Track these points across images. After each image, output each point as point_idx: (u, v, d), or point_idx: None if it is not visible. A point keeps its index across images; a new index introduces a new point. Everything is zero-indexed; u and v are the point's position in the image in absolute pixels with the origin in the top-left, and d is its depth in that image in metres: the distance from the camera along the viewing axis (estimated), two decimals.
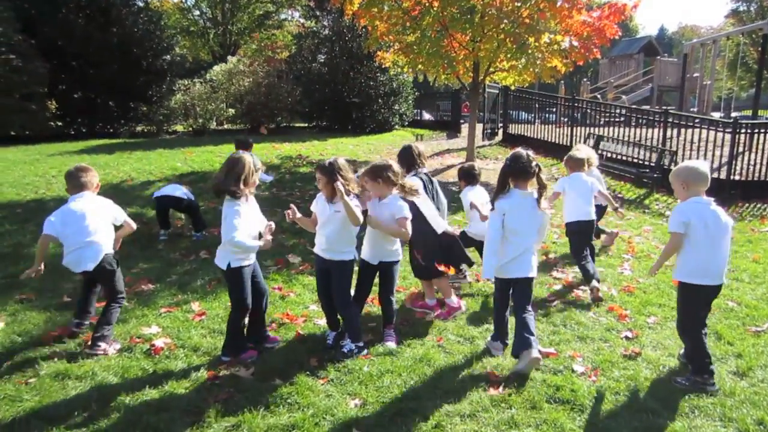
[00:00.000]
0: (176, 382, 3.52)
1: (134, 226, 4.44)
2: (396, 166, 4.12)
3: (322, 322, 4.51)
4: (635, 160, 11.43)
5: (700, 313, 3.71)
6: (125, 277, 5.59)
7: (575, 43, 11.12)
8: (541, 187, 3.82)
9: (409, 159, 4.81)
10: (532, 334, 3.76)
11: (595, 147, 12.23)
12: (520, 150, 3.90)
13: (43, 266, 4.09)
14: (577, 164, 5.66)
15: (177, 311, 4.74)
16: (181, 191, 7.26)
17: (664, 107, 12.37)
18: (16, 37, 16.31)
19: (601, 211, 6.53)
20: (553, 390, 3.50)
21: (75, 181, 4.31)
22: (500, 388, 3.51)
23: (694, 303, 3.66)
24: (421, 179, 4.67)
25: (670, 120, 11.41)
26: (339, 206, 3.86)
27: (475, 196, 5.49)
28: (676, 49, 51.49)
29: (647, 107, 19.43)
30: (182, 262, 6.27)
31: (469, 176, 5.68)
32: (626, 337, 4.43)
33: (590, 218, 5.55)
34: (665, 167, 10.76)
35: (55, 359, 3.82)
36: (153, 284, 5.53)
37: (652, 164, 11.01)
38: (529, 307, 3.93)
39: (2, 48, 15.81)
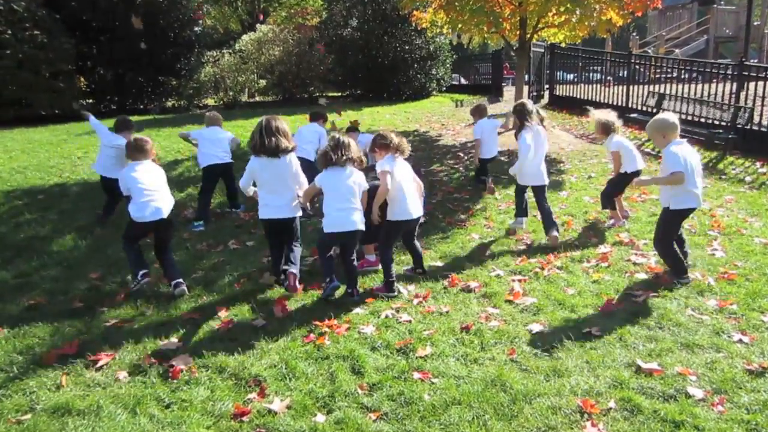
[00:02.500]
0: (197, 417, 2.88)
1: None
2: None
3: (369, 329, 3.82)
4: (703, 120, 10.25)
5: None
6: (145, 273, 5.04)
7: None
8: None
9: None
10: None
11: (657, 107, 11.07)
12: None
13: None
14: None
15: (200, 318, 4.10)
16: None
17: (741, 59, 10.98)
18: (39, 11, 15.82)
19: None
20: (672, 428, 2.72)
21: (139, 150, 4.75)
22: (600, 425, 2.75)
23: (678, 225, 4.60)
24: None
25: (746, 73, 10.13)
26: None
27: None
28: None
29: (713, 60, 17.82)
30: (209, 254, 5.63)
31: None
32: (741, 342, 3.60)
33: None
34: (742, 126, 9.58)
35: (57, 388, 3.23)
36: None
37: (725, 123, 9.82)
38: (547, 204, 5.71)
39: (26, 24, 15.33)
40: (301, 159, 6.52)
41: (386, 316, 4.07)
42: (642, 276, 4.70)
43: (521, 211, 6.08)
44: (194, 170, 9.17)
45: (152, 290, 4.73)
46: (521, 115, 5.81)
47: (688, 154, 4.35)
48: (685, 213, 4.52)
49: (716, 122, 10.03)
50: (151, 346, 3.66)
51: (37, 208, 7.34)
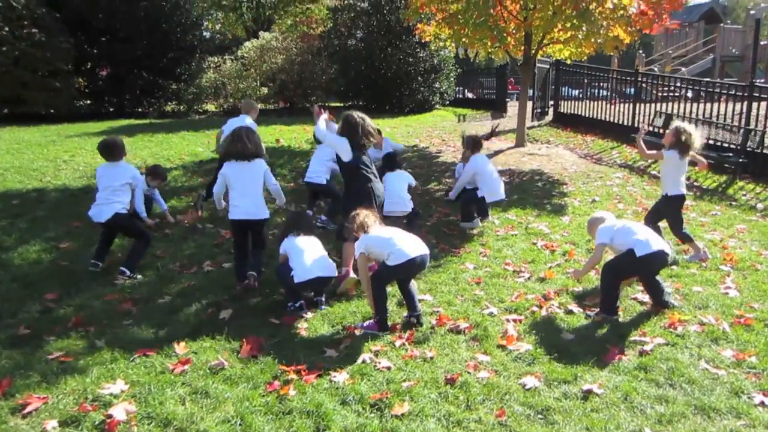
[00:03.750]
0: None
1: None
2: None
3: (342, 377, 3.38)
4: (712, 142, 9.82)
5: None
6: (106, 294, 4.64)
7: (644, 8, 9.55)
8: None
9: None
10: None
11: (665, 127, 10.65)
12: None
13: None
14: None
15: (155, 356, 3.66)
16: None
17: (751, 79, 10.59)
18: (39, 10, 15.54)
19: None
20: None
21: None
22: None
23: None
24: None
25: (756, 94, 9.71)
26: None
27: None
28: (731, 17, 47.79)
29: (727, 80, 17.43)
30: (180, 276, 5.20)
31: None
32: (763, 405, 3.16)
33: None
34: (752, 149, 9.16)
35: None
36: (135, 308, 4.49)
37: (735, 146, 9.39)
38: None
39: (25, 21, 15.05)
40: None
41: (363, 361, 3.63)
42: (648, 317, 4.26)
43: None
44: (180, 180, 8.79)
45: (108, 315, 4.31)
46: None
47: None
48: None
49: (725, 144, 9.62)
50: (93, 388, 3.22)
51: (7, 215, 6.94)
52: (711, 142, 9.77)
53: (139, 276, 5.14)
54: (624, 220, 4.75)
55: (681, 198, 5.63)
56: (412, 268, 4.10)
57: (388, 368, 3.55)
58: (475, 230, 6.62)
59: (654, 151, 5.85)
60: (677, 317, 4.17)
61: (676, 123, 5.63)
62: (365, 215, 4.23)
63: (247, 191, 4.76)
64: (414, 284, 4.33)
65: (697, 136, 5.46)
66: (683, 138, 5.37)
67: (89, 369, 3.46)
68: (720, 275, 5.16)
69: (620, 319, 4.22)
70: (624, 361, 3.59)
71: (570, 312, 4.40)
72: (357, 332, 4.04)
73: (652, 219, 5.66)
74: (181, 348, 3.77)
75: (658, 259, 4.25)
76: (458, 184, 6.76)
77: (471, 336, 4.01)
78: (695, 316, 4.25)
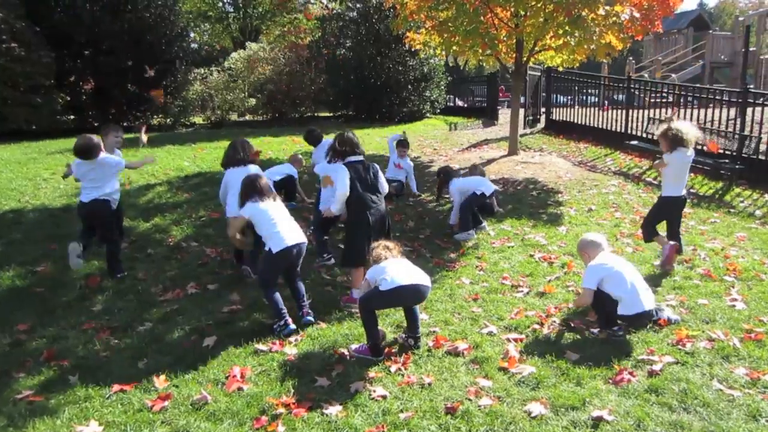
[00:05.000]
0: None
1: None
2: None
3: (334, 410, 3.15)
4: (706, 149, 9.68)
5: None
6: (83, 323, 4.39)
7: (636, 15, 9.43)
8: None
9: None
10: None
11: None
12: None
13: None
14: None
15: (132, 391, 3.41)
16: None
17: (747, 85, 10.50)
18: (18, 23, 15.23)
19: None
20: None
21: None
22: None
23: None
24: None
25: (751, 100, 9.60)
26: None
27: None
28: (717, 24, 48.19)
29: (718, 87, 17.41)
30: (161, 302, 4.94)
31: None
32: None
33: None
34: (749, 156, 9.04)
35: None
36: (113, 338, 4.23)
37: (731, 152, 9.27)
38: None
39: (3, 36, 14.72)
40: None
41: (357, 390, 3.40)
42: (656, 333, 4.06)
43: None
44: (165, 197, 8.52)
45: (84, 346, 4.06)
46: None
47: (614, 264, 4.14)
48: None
49: (719, 151, 9.48)
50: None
51: None
52: (705, 148, 9.65)
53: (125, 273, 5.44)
54: (616, 260, 4.19)
55: (682, 200, 5.50)
56: (403, 295, 3.85)
57: (384, 397, 3.33)
58: (470, 242, 6.42)
59: (660, 162, 5.48)
60: (685, 333, 3.97)
61: (662, 126, 5.44)
62: (384, 247, 4.08)
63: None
64: (416, 308, 4.10)
65: (689, 127, 5.33)
66: (677, 135, 5.21)
67: (61, 409, 3.20)
68: (725, 286, 4.98)
69: (626, 335, 4.01)
70: (634, 383, 3.38)
71: (573, 329, 4.19)
72: (350, 358, 3.80)
73: (651, 223, 5.56)
74: (161, 381, 3.52)
75: (642, 320, 4.08)
76: (454, 210, 6.71)
77: (470, 358, 3.79)
78: (703, 331, 4.06)
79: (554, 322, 4.30)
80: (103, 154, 5.34)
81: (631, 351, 3.78)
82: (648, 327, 4.11)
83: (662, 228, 5.64)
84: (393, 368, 3.67)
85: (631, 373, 3.47)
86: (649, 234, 5.59)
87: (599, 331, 4.07)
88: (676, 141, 5.21)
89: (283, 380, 3.55)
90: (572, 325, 4.24)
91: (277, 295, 4.26)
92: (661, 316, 4.16)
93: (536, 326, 4.23)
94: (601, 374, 3.50)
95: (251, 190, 4.38)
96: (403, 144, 8.39)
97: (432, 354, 3.87)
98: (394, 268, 3.87)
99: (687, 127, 5.36)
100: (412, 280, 3.82)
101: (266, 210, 4.32)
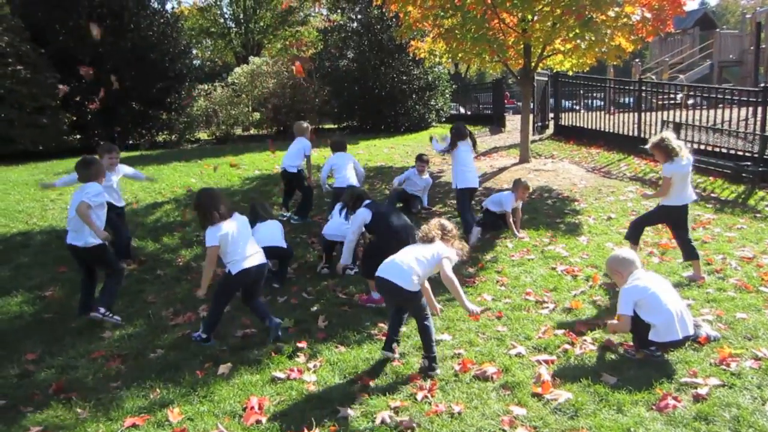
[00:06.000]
0: None
1: None
2: None
3: None
4: (725, 150, 9.45)
5: None
6: (93, 352, 4.21)
7: (648, 15, 9.24)
8: None
9: None
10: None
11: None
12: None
13: None
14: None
15: (145, 426, 3.22)
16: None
17: (763, 84, 10.26)
18: (24, 46, 15.23)
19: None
20: None
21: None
22: None
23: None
24: None
25: None
26: None
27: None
28: (721, 23, 47.98)
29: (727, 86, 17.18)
30: (173, 326, 4.76)
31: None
32: None
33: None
34: None
35: None
36: (124, 366, 4.05)
37: (751, 154, 9.01)
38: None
39: (9, 59, 14.72)
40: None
41: (382, 421, 3.19)
42: (696, 351, 3.83)
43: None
44: (173, 215, 8.37)
45: (94, 376, 3.87)
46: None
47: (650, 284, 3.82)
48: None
49: (739, 153, 9.25)
50: None
51: None
52: (724, 150, 9.43)
53: (117, 317, 4.76)
54: (652, 280, 3.88)
55: (685, 208, 5.28)
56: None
57: (412, 429, 3.12)
58: (488, 255, 6.21)
59: (664, 183, 5.24)
60: (728, 351, 3.73)
61: (650, 142, 5.33)
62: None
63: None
64: (431, 321, 3.89)
65: (671, 136, 5.25)
66: (670, 145, 5.09)
67: None
68: (762, 298, 4.72)
69: (664, 355, 3.79)
70: (680, 409, 3.15)
71: (606, 348, 3.96)
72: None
73: (642, 225, 5.60)
74: (175, 415, 3.33)
75: (676, 345, 3.81)
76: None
77: (500, 383, 3.58)
78: (747, 349, 3.81)
79: (585, 341, 4.08)
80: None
81: (673, 373, 3.55)
82: (687, 345, 3.88)
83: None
84: (419, 396, 3.46)
85: (675, 398, 3.24)
86: (635, 235, 5.52)
87: (636, 351, 3.84)
88: (670, 151, 5.10)
89: (304, 411, 3.35)
90: (605, 345, 4.01)
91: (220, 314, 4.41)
92: (700, 333, 3.92)
93: (567, 346, 4.01)
94: (643, 399, 3.27)
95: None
96: (421, 159, 8.18)
97: (459, 379, 3.66)
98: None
99: (670, 135, 5.27)
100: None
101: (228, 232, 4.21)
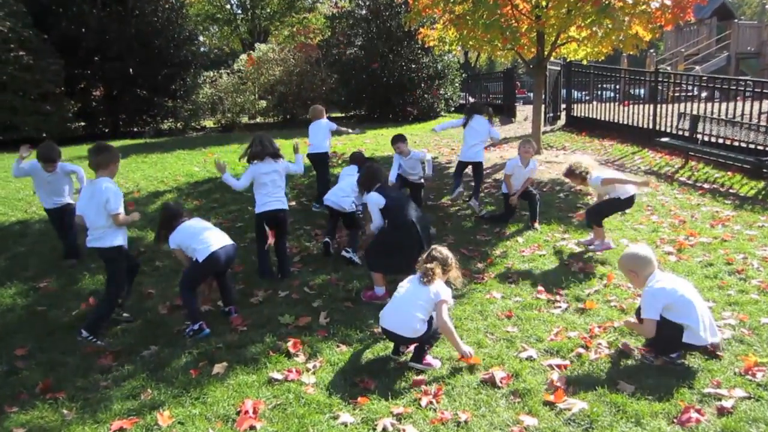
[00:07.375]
0: None
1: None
2: None
3: None
4: (744, 145, 9.14)
5: None
6: (84, 348, 4.04)
7: (668, 2, 8.90)
8: None
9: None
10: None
11: (692, 130, 10.00)
12: None
13: None
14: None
15: (133, 429, 3.04)
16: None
17: None
18: (26, 32, 15.05)
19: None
20: None
21: None
22: None
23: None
24: None
25: None
26: None
27: None
28: (737, 13, 47.14)
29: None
30: (170, 319, 4.58)
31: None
32: None
33: None
34: None
35: None
36: (116, 363, 3.87)
37: None
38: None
39: (11, 45, 14.56)
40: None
41: (384, 429, 3.00)
42: (718, 360, 3.59)
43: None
44: None
45: (83, 374, 3.70)
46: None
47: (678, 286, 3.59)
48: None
49: (759, 147, 8.93)
50: None
51: None
52: (744, 144, 9.12)
53: (100, 342, 4.18)
54: (678, 282, 3.62)
55: (629, 200, 5.80)
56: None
57: None
58: (497, 250, 5.99)
59: (601, 198, 6.00)
60: (753, 359, 3.50)
61: (563, 168, 6.02)
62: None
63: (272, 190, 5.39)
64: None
65: (583, 158, 6.18)
66: (581, 169, 5.71)
67: None
68: None
69: (686, 362, 3.56)
70: (704, 424, 2.92)
71: (623, 353, 3.74)
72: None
73: (600, 215, 5.89)
74: (164, 418, 3.15)
75: (699, 348, 3.58)
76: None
77: (510, 389, 3.37)
78: None
79: (601, 344, 3.86)
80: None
81: (694, 382, 3.32)
82: (703, 352, 3.65)
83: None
84: (423, 401, 3.26)
85: (698, 411, 3.01)
86: (596, 222, 5.87)
87: (655, 357, 3.61)
88: (582, 175, 5.70)
89: (301, 417, 3.15)
90: (621, 348, 3.78)
91: (195, 299, 4.37)
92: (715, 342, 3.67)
93: (581, 350, 3.79)
94: (663, 411, 3.05)
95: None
96: (394, 141, 7.56)
97: (466, 384, 3.45)
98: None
99: (582, 158, 6.04)
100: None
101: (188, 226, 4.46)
